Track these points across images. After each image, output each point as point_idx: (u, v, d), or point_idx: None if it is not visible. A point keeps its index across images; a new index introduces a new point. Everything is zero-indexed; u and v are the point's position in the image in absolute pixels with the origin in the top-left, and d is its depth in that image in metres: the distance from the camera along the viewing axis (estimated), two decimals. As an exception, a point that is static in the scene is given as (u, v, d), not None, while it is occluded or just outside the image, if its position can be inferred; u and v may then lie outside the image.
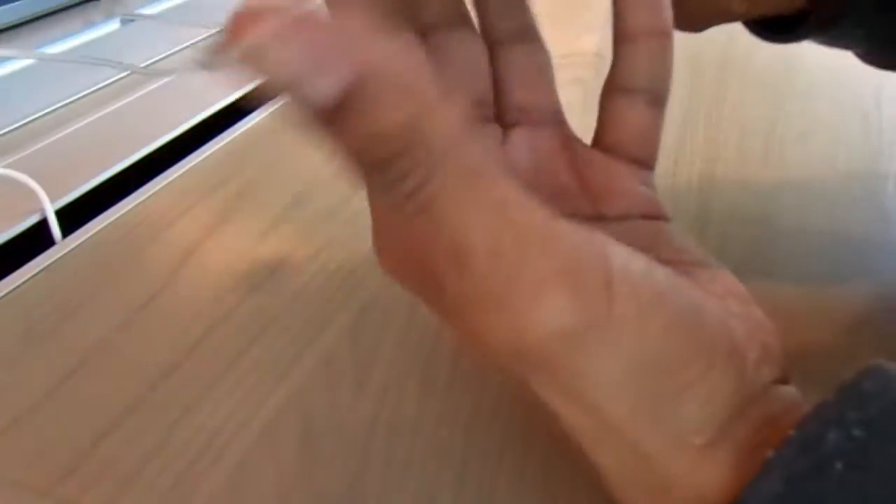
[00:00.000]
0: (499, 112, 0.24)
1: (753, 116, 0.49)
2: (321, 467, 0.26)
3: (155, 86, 0.56)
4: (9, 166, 0.40)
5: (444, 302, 0.18)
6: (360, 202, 0.42)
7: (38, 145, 0.46)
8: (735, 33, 0.32)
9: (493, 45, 0.24)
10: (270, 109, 0.54)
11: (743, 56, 0.57)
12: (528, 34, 0.25)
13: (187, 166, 0.46)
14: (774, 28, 0.31)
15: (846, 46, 0.32)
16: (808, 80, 0.53)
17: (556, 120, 0.25)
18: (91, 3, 0.64)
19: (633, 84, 0.23)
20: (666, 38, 0.24)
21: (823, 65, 0.53)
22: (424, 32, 0.24)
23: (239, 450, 0.27)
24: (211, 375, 0.30)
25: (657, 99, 0.24)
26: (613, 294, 0.17)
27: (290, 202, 0.42)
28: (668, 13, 0.23)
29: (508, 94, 0.24)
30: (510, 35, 0.24)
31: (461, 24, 0.24)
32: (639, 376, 0.17)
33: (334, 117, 0.15)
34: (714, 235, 0.38)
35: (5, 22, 0.57)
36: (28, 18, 0.59)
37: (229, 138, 0.50)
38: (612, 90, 0.24)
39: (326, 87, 0.14)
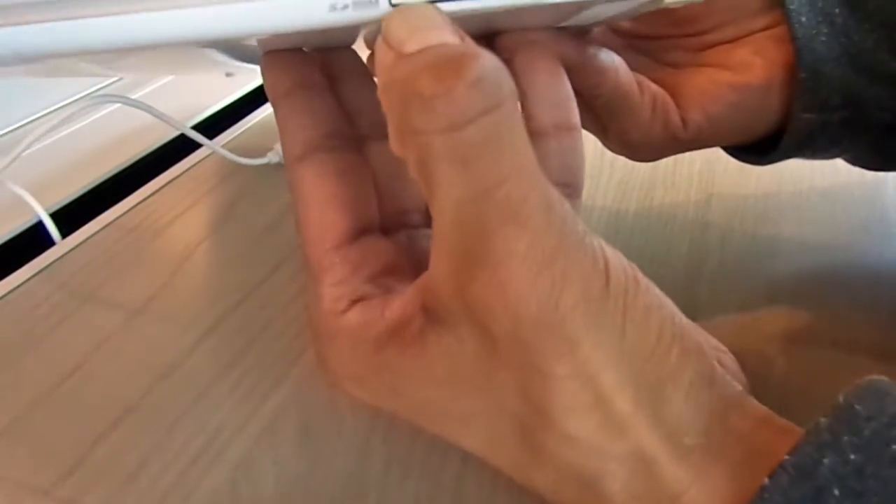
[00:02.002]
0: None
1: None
2: (321, 467, 0.26)
3: (155, 86, 0.56)
4: (3, 168, 0.40)
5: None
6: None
7: (35, 147, 0.46)
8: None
9: None
10: (270, 110, 0.54)
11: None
12: None
13: (187, 166, 0.46)
14: (748, 150, 0.33)
15: (826, 159, 0.33)
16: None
17: None
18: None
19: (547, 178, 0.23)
20: (574, 132, 0.25)
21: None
22: (360, 142, 0.25)
23: (239, 450, 0.27)
24: (211, 375, 0.30)
25: (573, 192, 0.25)
26: (609, 271, 0.18)
27: (290, 202, 0.42)
28: (574, 109, 0.25)
29: None
30: None
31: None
32: (632, 358, 0.18)
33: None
34: (714, 235, 0.38)
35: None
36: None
37: (230, 138, 0.50)
38: None
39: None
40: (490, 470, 0.25)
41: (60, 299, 0.35)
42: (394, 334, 0.21)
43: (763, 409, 0.19)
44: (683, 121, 0.30)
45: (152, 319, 0.33)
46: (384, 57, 0.17)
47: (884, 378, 0.18)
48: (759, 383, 0.23)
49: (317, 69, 0.24)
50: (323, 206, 0.23)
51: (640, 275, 0.19)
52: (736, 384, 0.20)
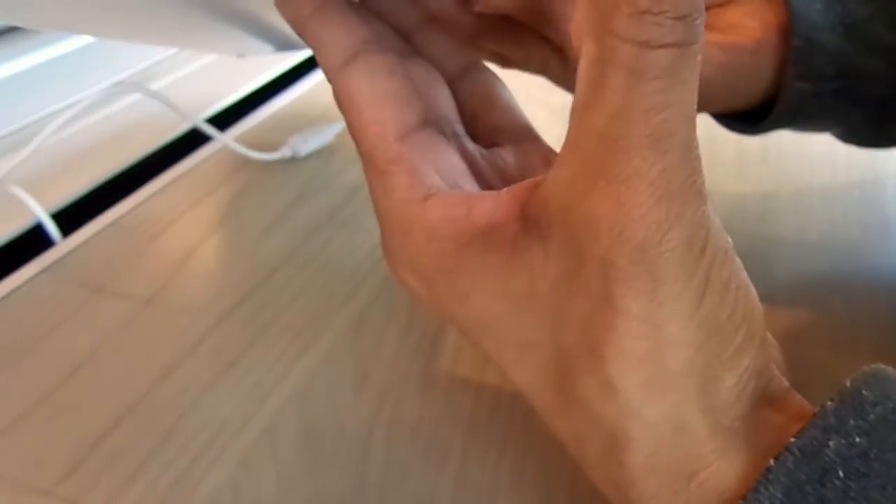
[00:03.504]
0: (475, 136, 0.25)
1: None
2: (321, 467, 0.26)
3: (155, 87, 0.56)
4: (13, 164, 0.40)
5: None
6: (360, 202, 0.43)
7: (37, 147, 0.46)
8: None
9: (448, 82, 0.25)
10: (270, 110, 0.54)
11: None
12: (476, 66, 0.26)
13: (188, 167, 0.46)
14: (740, 119, 0.32)
15: (818, 132, 0.33)
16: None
17: (532, 136, 0.25)
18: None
19: None
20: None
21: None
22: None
23: (239, 450, 0.27)
24: (211, 375, 0.30)
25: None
26: (710, 233, 0.18)
27: (291, 202, 0.42)
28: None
29: (481, 118, 0.25)
30: (461, 71, 0.26)
31: (416, 56, 0.25)
32: (701, 323, 0.18)
33: None
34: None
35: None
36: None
37: (242, 131, 0.50)
38: None
39: None
40: (490, 470, 0.25)
41: (60, 299, 0.35)
42: (480, 236, 0.21)
43: (805, 405, 0.19)
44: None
45: (152, 319, 0.33)
46: None
47: (889, 367, 0.18)
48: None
49: None
50: (380, 103, 0.22)
51: (732, 250, 0.19)
52: (783, 380, 0.20)
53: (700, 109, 0.31)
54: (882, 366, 0.18)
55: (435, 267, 0.22)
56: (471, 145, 0.25)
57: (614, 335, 0.18)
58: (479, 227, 0.21)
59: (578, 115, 0.18)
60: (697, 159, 0.18)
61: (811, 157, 0.45)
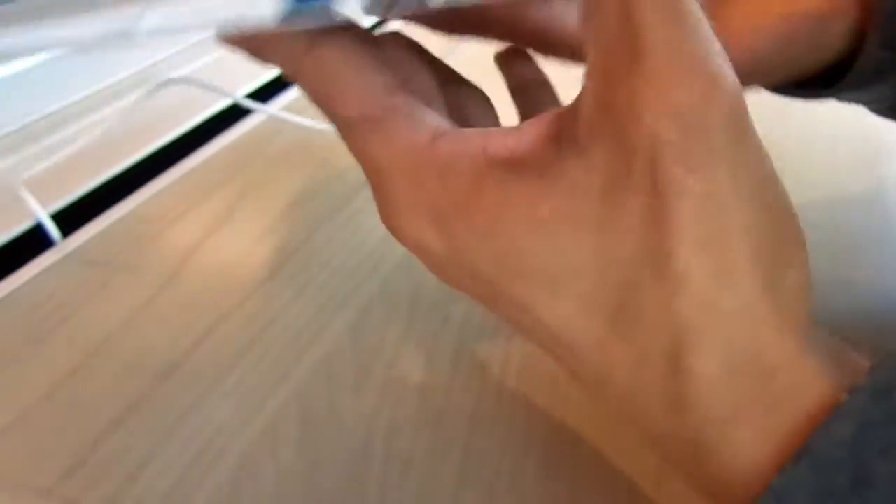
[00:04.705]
0: None
1: (753, 116, 0.49)
2: (321, 467, 0.26)
3: (155, 86, 0.55)
4: (4, 170, 0.40)
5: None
6: (360, 202, 0.43)
7: (36, 148, 0.46)
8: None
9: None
10: (271, 110, 0.54)
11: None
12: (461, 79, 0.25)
13: (188, 167, 0.46)
14: (803, 84, 0.30)
15: (876, 103, 0.31)
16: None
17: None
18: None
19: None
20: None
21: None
22: None
23: (239, 450, 0.27)
24: (211, 375, 0.30)
25: None
26: (747, 118, 0.18)
27: (291, 202, 0.42)
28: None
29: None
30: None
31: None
32: (761, 207, 0.18)
33: None
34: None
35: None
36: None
37: (230, 138, 0.50)
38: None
39: None
40: (490, 469, 0.25)
41: (60, 299, 0.35)
42: (501, 167, 0.19)
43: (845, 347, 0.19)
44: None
45: (152, 319, 0.33)
46: None
47: None
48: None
49: None
50: (358, 70, 0.21)
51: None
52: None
53: (753, 84, 0.29)
54: None
55: (452, 207, 0.20)
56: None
57: (677, 222, 0.17)
58: (500, 159, 0.19)
59: (590, 27, 0.18)
60: (713, 30, 0.18)
61: (812, 156, 0.45)
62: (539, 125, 0.20)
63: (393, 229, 0.21)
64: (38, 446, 0.27)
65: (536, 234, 0.19)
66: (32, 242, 0.40)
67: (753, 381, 0.17)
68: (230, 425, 0.28)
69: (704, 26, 0.17)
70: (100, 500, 0.25)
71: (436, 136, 0.20)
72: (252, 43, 0.21)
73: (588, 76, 0.18)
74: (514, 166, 0.19)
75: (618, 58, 0.17)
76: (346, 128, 0.21)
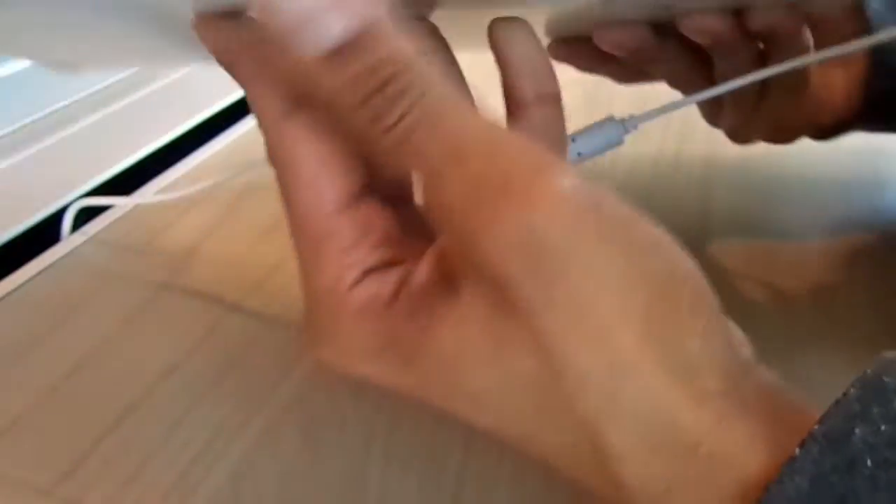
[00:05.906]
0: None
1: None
2: (321, 467, 0.26)
3: (157, 86, 0.56)
4: (15, 164, 0.40)
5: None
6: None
7: (36, 148, 0.46)
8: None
9: None
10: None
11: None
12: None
13: (188, 166, 0.46)
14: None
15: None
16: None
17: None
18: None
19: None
20: (556, 102, 0.25)
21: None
22: None
23: (239, 450, 0.27)
24: (211, 375, 0.30)
25: None
26: (604, 199, 0.18)
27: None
28: (555, 78, 0.25)
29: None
30: None
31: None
32: (638, 290, 0.17)
33: (336, 54, 0.18)
34: (714, 236, 0.38)
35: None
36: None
37: (230, 138, 0.50)
38: None
39: (336, 27, 0.18)
40: (490, 470, 0.25)
41: (61, 299, 0.35)
42: (408, 307, 0.20)
43: (774, 376, 0.19)
44: (828, 110, 0.33)
45: (152, 319, 0.33)
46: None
47: None
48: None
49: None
50: (320, 164, 0.21)
51: (637, 212, 0.19)
52: (747, 348, 0.19)
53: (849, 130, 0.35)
54: None
55: (378, 342, 0.21)
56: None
57: (553, 335, 0.18)
58: (406, 303, 0.21)
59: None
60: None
61: (811, 156, 0.45)
62: (430, 264, 0.21)
63: (315, 353, 0.22)
64: (39, 446, 0.27)
65: (446, 365, 0.20)
66: (32, 242, 0.40)
67: (677, 457, 0.17)
68: (230, 425, 0.28)
69: (519, 140, 0.18)
70: (100, 500, 0.25)
71: (364, 276, 0.21)
72: (231, 64, 0.21)
73: (440, 221, 0.19)
74: (417, 308, 0.20)
75: (462, 208, 0.18)
76: (290, 225, 0.22)
